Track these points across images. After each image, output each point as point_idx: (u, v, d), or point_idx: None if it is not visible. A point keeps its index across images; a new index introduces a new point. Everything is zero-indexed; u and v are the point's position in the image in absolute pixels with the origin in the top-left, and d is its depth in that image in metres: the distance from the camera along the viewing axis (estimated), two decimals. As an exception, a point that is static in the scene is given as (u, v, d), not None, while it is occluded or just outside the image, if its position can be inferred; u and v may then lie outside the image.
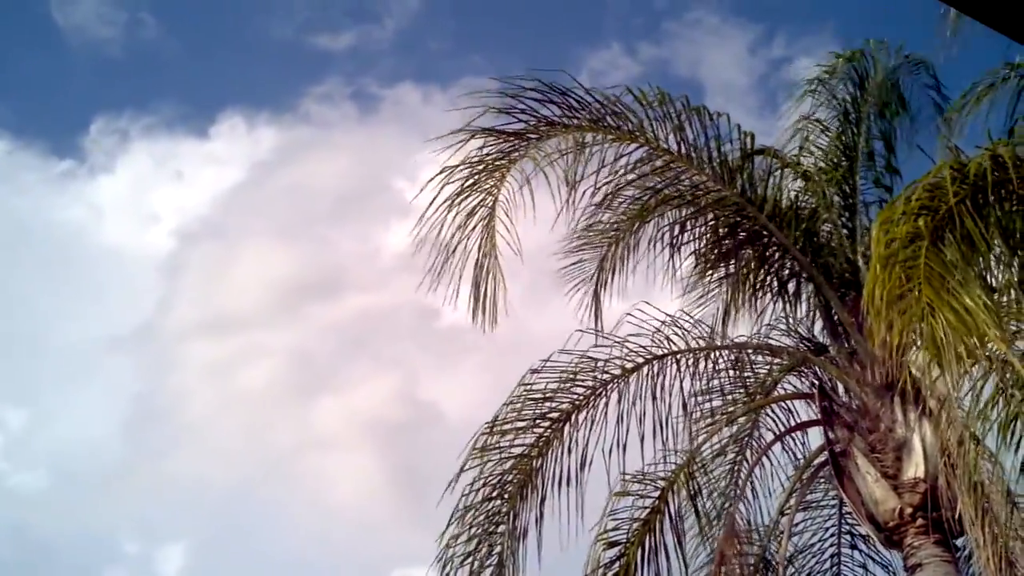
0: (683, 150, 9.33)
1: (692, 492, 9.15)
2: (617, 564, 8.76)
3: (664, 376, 9.44)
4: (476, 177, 9.06)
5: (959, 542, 8.62)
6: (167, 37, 28.82)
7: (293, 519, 24.87)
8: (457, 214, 9.04)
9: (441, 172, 8.90)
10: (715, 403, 9.64)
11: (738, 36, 27.63)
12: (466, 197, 9.05)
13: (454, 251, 9.04)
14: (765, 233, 9.52)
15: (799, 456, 9.92)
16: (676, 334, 9.54)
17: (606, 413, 9.20)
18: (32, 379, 27.73)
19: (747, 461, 9.82)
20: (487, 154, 9.03)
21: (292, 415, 26.69)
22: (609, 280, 10.10)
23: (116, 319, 27.74)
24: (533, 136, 9.10)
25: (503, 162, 9.08)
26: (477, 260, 9.08)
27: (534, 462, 9.01)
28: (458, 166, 8.96)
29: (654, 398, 9.33)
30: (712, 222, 9.67)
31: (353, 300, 26.97)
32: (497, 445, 8.98)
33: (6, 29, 26.92)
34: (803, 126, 10.92)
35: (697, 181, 9.41)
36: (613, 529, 8.82)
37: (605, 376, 9.34)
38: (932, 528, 8.43)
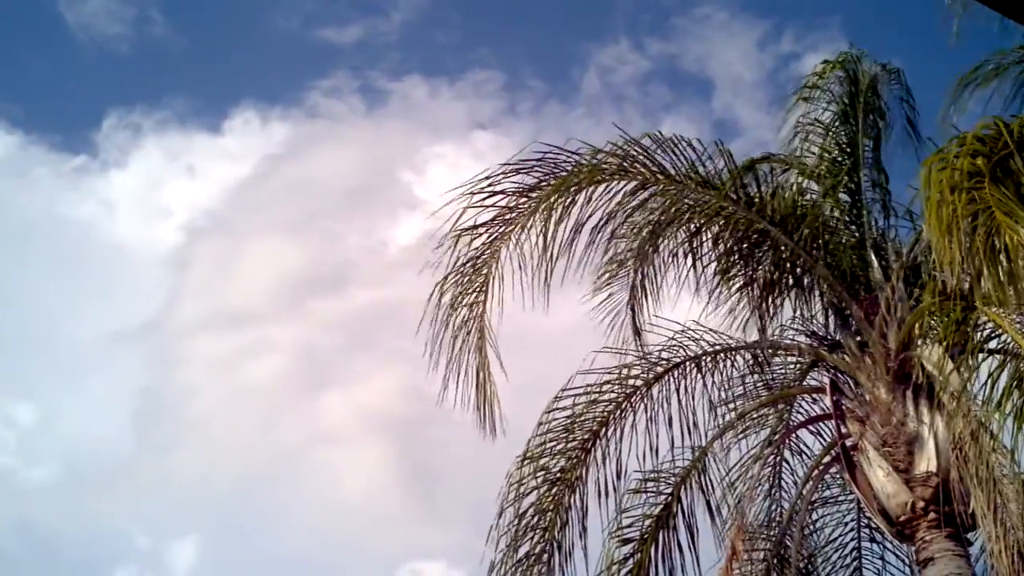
0: (670, 174, 9.49)
1: (704, 488, 9.24)
2: (631, 561, 8.84)
3: (685, 381, 9.66)
4: (466, 276, 9.48)
5: (971, 536, 8.62)
6: (175, 33, 28.87)
7: (302, 514, 24.96)
8: (451, 322, 9.47)
9: (436, 287, 9.41)
10: (735, 402, 9.78)
11: (747, 32, 27.65)
12: (458, 301, 9.48)
13: (451, 360, 9.44)
14: (772, 235, 9.57)
15: (813, 451, 10.03)
16: (691, 340, 9.74)
17: (633, 422, 9.46)
18: (41, 374, 27.89)
19: (761, 456, 9.87)
20: (471, 254, 9.44)
21: (299, 410, 26.74)
22: (644, 305, 10.24)
23: (124, 314, 27.84)
24: (513, 215, 9.42)
25: (486, 256, 9.46)
26: (476, 380, 9.43)
27: (570, 485, 9.23)
28: (447, 276, 9.43)
29: (680, 403, 9.56)
30: (718, 234, 9.73)
31: (360, 294, 27.00)
32: (533, 473, 9.20)
33: (15, 26, 27.01)
34: (804, 126, 10.97)
35: (696, 199, 9.48)
36: (627, 526, 8.91)
37: (628, 389, 9.56)
38: (944, 522, 8.45)
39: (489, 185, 9.29)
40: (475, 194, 9.24)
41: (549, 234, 9.33)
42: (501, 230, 9.42)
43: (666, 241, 9.89)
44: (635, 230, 9.91)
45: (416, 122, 30.03)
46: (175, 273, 28.60)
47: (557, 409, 9.39)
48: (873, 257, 9.62)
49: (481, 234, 9.41)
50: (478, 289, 9.45)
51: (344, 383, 27.61)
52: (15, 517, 25.18)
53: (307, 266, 27.52)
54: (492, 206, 9.38)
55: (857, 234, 9.92)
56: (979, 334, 8.21)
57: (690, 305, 10.08)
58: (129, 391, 27.87)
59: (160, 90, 30.09)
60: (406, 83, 30.07)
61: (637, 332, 10.40)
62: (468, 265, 9.45)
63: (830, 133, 10.77)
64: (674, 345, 9.73)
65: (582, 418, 9.41)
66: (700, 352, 9.77)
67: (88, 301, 27.74)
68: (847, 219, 10.09)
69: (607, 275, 10.42)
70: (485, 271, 9.44)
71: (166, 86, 30.42)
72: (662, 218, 9.71)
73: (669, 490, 9.14)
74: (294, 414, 26.57)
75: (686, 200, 9.59)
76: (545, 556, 9.01)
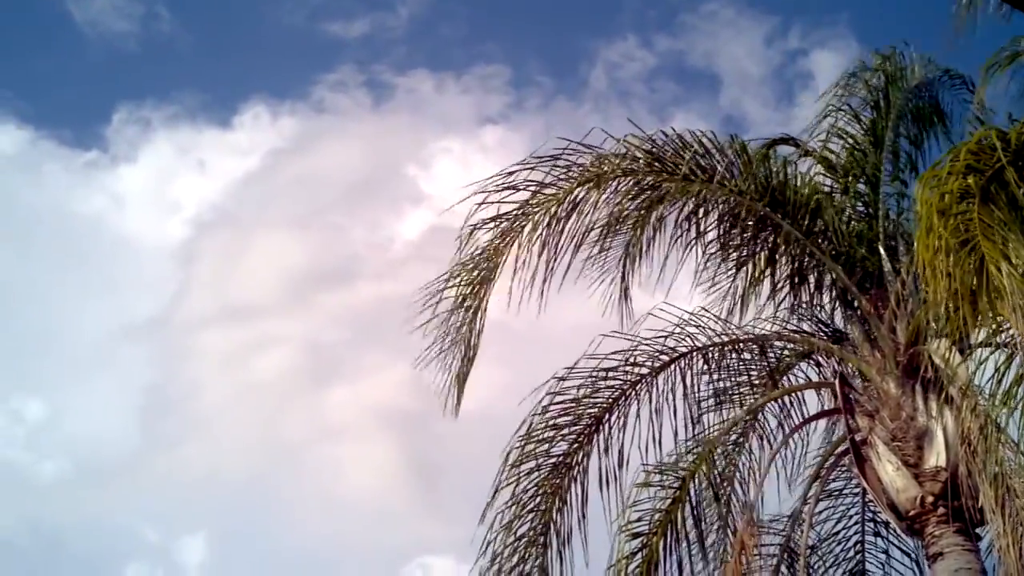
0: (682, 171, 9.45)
1: (713, 482, 9.24)
2: (640, 555, 8.85)
3: (691, 371, 9.64)
4: (472, 270, 9.53)
5: (980, 531, 8.61)
6: (182, 30, 28.90)
7: (310, 509, 25.00)
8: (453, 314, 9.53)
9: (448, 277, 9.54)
10: (741, 393, 9.77)
11: (754, 28, 27.62)
12: (461, 294, 9.53)
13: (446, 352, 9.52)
14: (783, 226, 9.54)
15: (821, 445, 10.04)
16: (698, 329, 9.70)
17: (638, 411, 9.45)
18: (49, 370, 27.95)
19: (768, 450, 9.86)
20: (479, 250, 9.51)
21: (306, 404, 26.79)
22: (634, 272, 10.14)
23: (132, 309, 27.91)
24: (524, 212, 9.44)
25: (493, 251, 9.49)
26: (461, 362, 9.48)
27: (570, 470, 9.23)
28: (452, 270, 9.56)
29: (685, 395, 9.56)
30: (727, 216, 9.70)
31: (366, 289, 27.02)
32: (533, 454, 9.17)
33: (24, 24, 27.08)
34: (835, 111, 10.86)
35: (699, 188, 9.46)
36: (636, 520, 8.92)
37: (633, 377, 9.54)
38: (953, 517, 8.44)
39: (503, 185, 9.34)
40: (488, 192, 9.31)
41: (559, 233, 9.35)
42: (511, 226, 9.42)
43: (668, 217, 9.80)
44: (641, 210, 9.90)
45: (422, 116, 30.04)
46: (182, 267, 28.67)
47: (561, 392, 9.38)
48: (883, 250, 9.59)
49: (491, 229, 9.44)
50: (481, 282, 9.45)
51: (350, 378, 27.66)
52: (25, 512, 25.27)
53: (313, 261, 27.57)
54: (505, 202, 9.41)
55: (871, 226, 9.87)
56: (987, 328, 8.19)
57: (691, 293, 10.11)
58: (137, 386, 27.94)
59: (170, 85, 30.18)
60: (412, 77, 30.10)
61: (626, 294, 10.28)
62: (475, 260, 9.48)
63: (859, 121, 10.69)
64: (680, 334, 9.71)
65: (585, 403, 9.40)
66: (707, 342, 9.75)
67: (96, 296, 27.82)
68: (862, 210, 10.05)
69: (604, 232, 10.34)
70: (490, 265, 9.43)
71: (176, 81, 30.48)
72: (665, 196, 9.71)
73: (678, 484, 9.15)
74: (301, 409, 26.62)
75: (701, 192, 9.54)
76: (542, 539, 9.03)
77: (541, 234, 9.35)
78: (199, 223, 29.07)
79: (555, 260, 9.40)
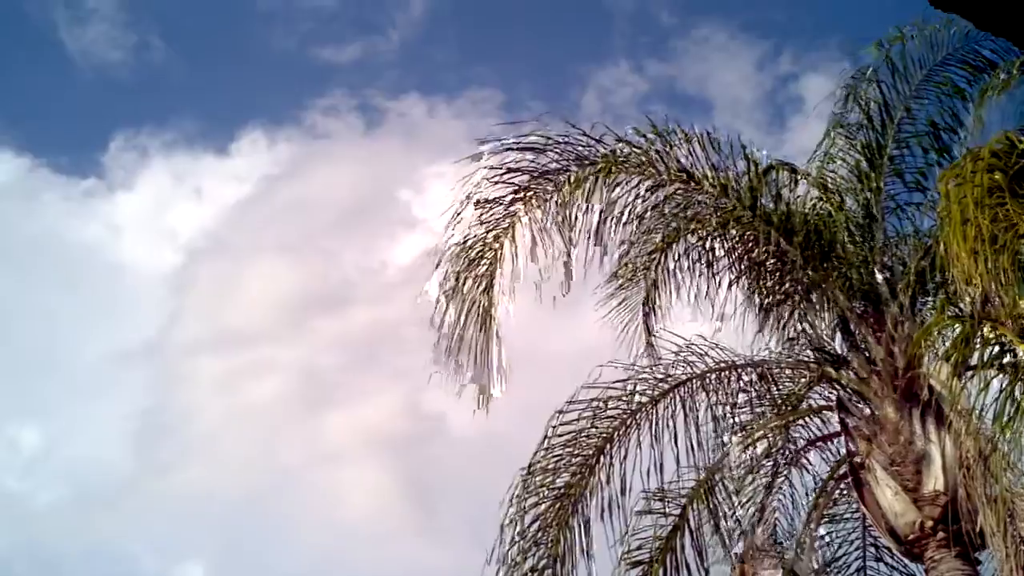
0: (689, 175, 9.46)
1: (712, 509, 9.20)
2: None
3: (691, 399, 9.61)
4: (474, 252, 9.43)
5: (980, 555, 8.58)
6: (176, 57, 28.97)
7: (307, 532, 24.94)
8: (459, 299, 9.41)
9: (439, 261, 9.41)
10: (741, 419, 9.77)
11: (745, 53, 27.75)
12: (464, 280, 9.43)
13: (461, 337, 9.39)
14: (782, 248, 9.54)
15: (823, 470, 10.02)
16: (697, 357, 9.67)
17: (639, 439, 9.42)
18: (45, 396, 27.90)
19: (769, 475, 9.83)
20: (481, 230, 9.42)
21: (301, 429, 26.77)
22: (657, 315, 10.16)
23: (127, 335, 27.89)
24: (529, 193, 9.38)
25: (499, 231, 9.42)
26: (477, 357, 9.36)
27: (573, 500, 9.18)
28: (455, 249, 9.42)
29: (686, 422, 9.54)
30: (728, 241, 9.70)
31: (359, 314, 27.02)
32: (537, 489, 9.12)
33: (18, 53, 27.15)
34: (827, 135, 10.82)
35: (703, 200, 9.44)
36: (636, 548, 8.89)
37: (634, 406, 9.53)
38: (953, 541, 8.41)
39: (506, 159, 9.32)
40: (491, 168, 9.28)
41: (564, 219, 9.30)
42: (513, 210, 9.37)
43: (678, 249, 9.85)
44: (647, 234, 9.88)
45: (414, 140, 30.10)
46: (177, 294, 28.66)
47: (562, 424, 9.37)
48: (878, 273, 9.58)
49: (493, 208, 9.38)
50: (488, 262, 9.40)
51: (345, 402, 27.64)
52: (22, 539, 25.18)
53: (307, 286, 27.59)
54: (507, 183, 9.33)
55: (868, 248, 9.84)
56: (988, 350, 8.18)
57: (697, 320, 10.09)
58: (132, 411, 27.93)
59: (166, 112, 30.25)
60: (404, 101, 30.16)
61: (650, 343, 10.33)
62: (478, 240, 9.43)
63: (854, 141, 10.60)
64: (680, 362, 9.71)
65: (586, 434, 9.39)
66: (706, 369, 9.75)
67: (92, 323, 27.82)
68: (859, 233, 10.03)
69: (620, 281, 10.33)
70: (496, 246, 9.38)
71: (172, 109, 30.53)
72: (675, 224, 9.70)
73: (677, 511, 9.12)
74: (296, 433, 26.60)
75: (702, 203, 9.53)
76: (548, 572, 8.99)
77: (548, 218, 9.29)
78: (193, 250, 29.09)
79: (553, 263, 9.34)
